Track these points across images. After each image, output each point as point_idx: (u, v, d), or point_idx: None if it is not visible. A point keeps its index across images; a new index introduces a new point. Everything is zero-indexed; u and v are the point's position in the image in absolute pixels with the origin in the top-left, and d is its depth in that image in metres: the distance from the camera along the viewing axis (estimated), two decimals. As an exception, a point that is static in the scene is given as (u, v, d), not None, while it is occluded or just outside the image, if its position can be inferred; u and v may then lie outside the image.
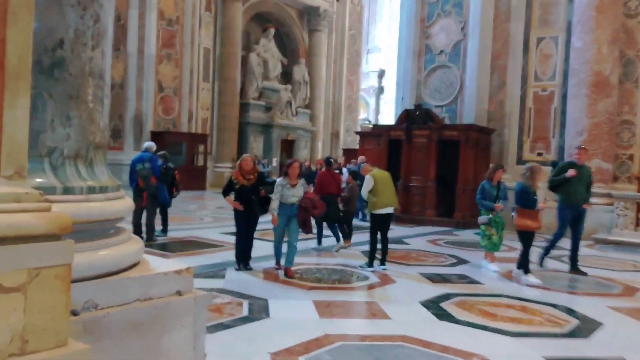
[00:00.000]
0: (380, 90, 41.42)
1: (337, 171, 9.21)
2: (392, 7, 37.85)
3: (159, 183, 7.63)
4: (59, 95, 2.12)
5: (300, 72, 25.92)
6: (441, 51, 13.30)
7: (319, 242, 7.94)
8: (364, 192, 6.36)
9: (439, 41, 13.39)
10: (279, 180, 5.94)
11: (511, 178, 10.50)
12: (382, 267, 6.37)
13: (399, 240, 8.92)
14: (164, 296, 2.38)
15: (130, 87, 19.37)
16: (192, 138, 20.24)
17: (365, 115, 39.24)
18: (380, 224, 6.49)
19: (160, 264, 2.59)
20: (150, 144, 8.24)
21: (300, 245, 7.39)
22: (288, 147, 24.99)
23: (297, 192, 5.85)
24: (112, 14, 2.42)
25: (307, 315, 4.29)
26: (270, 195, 5.90)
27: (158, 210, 7.99)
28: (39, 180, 2.04)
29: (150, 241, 7.27)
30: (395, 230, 10.29)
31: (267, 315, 4.22)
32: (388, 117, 32.97)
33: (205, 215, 11.32)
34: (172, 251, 6.70)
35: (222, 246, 7.28)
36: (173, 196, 8.38)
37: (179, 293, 2.44)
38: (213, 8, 22.50)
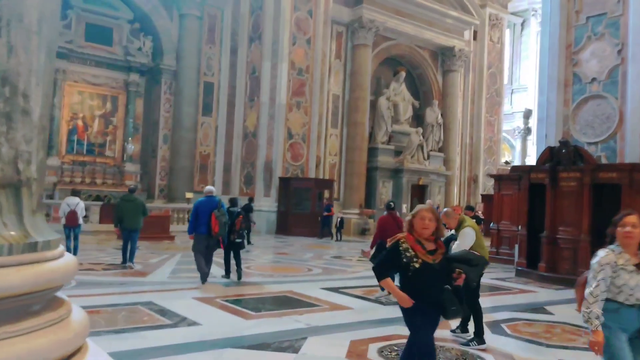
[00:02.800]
0: (527, 131, 38.30)
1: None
2: (539, 45, 35.18)
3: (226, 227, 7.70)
4: None
5: (432, 114, 24.70)
6: (593, 79, 11.28)
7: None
8: (468, 246, 4.88)
9: (589, 68, 11.40)
10: (602, 255, 2.90)
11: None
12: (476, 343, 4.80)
13: (540, 308, 7.16)
14: None
15: (261, 135, 19.86)
16: (318, 183, 19.93)
17: (510, 159, 36.37)
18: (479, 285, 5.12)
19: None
20: (212, 188, 8.10)
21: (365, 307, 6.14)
22: (419, 192, 23.57)
23: None
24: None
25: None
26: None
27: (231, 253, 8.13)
28: None
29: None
30: (538, 293, 8.49)
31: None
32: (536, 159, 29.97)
33: (317, 265, 10.50)
34: (256, 310, 5.90)
35: (316, 306, 6.31)
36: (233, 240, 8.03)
37: None
38: (343, 55, 22.56)
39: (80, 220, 9.70)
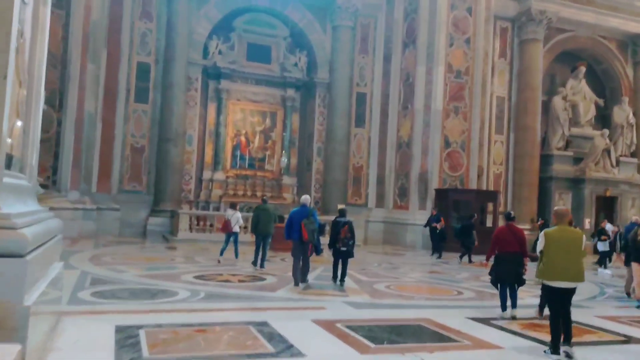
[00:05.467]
0: None
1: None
2: None
3: (317, 235, 8.48)
4: None
5: (622, 113, 21.10)
6: None
7: (504, 307, 6.62)
8: (537, 251, 5.20)
9: None
10: None
11: None
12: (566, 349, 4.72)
13: None
14: None
15: (416, 145, 18.82)
16: (479, 195, 18.12)
17: None
18: (555, 298, 4.94)
19: None
20: (307, 197, 8.84)
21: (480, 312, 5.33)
22: (607, 205, 20.16)
23: None
24: None
25: None
26: None
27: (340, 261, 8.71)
28: None
29: (303, 281, 8.35)
30: None
31: None
32: None
33: (470, 287, 9.10)
34: (378, 341, 4.91)
35: (454, 342, 5.12)
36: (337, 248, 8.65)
37: None
38: (508, 53, 20.48)
39: (236, 228, 10.98)
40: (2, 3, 3.11)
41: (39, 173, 14.79)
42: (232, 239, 10.99)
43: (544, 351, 4.85)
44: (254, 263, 10.12)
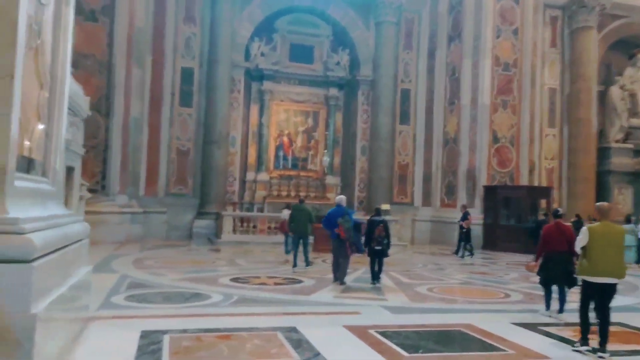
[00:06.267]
0: None
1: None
2: None
3: (355, 234, 8.45)
4: None
5: (688, 102, 19.60)
6: None
7: (548, 307, 6.53)
8: (576, 247, 5.02)
9: None
10: None
11: None
12: (600, 354, 4.58)
13: None
14: None
15: (463, 141, 18.20)
16: (531, 192, 17.30)
17: None
18: (594, 295, 4.83)
19: None
20: (342, 198, 9.00)
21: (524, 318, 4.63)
22: (672, 201, 18.79)
23: None
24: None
25: None
26: None
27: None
28: None
29: (341, 283, 8.39)
30: None
31: None
32: None
33: (518, 289, 8.56)
34: (413, 349, 4.57)
35: (496, 350, 4.71)
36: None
37: None
38: (559, 42, 19.50)
39: None
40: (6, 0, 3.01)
41: (89, 178, 15.29)
42: (286, 238, 11.79)
43: (574, 344, 4.87)
44: (294, 265, 10.05)
